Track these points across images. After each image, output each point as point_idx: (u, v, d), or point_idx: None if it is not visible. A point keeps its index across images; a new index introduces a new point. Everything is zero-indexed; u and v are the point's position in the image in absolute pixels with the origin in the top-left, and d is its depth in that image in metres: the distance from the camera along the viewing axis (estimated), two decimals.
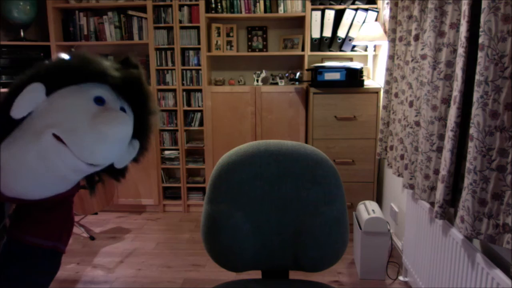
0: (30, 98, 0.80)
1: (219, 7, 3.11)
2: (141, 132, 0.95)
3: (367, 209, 2.32)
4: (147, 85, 0.95)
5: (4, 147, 0.78)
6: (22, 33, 3.21)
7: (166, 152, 3.34)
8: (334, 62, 2.90)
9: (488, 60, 1.24)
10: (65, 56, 0.91)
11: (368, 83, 2.97)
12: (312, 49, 3.08)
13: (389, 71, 2.32)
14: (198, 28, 3.14)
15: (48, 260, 0.90)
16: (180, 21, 3.15)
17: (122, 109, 0.88)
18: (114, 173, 0.95)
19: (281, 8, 3.08)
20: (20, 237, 0.87)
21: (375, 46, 2.97)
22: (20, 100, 0.79)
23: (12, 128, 0.80)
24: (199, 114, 3.30)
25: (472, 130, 1.30)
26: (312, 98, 2.78)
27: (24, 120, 0.80)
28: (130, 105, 0.91)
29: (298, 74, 3.14)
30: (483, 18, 1.24)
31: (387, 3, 2.63)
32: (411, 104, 1.91)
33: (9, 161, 0.77)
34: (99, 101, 0.84)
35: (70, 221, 0.97)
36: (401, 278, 2.27)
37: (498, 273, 1.27)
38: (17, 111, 0.79)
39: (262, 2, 3.08)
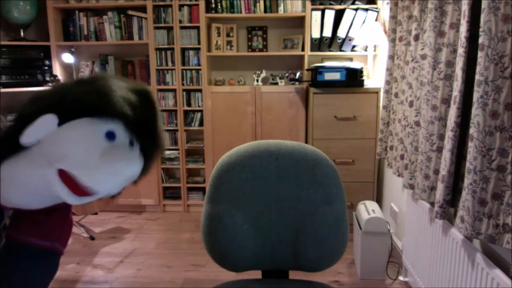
0: (42, 129, 0.80)
1: (219, 7, 3.11)
2: (144, 165, 0.94)
3: (367, 209, 2.32)
4: (161, 127, 0.95)
5: (7, 166, 0.79)
6: (22, 33, 3.21)
7: (166, 152, 3.34)
8: (334, 62, 2.90)
9: (488, 60, 1.24)
10: (84, 79, 0.90)
11: (368, 83, 2.97)
12: (312, 49, 3.08)
13: (389, 71, 2.32)
14: (198, 28, 3.14)
15: (46, 260, 0.91)
16: (180, 21, 3.15)
17: (131, 143, 0.88)
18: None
19: (281, 8, 3.08)
20: (17, 237, 0.87)
21: (375, 46, 2.97)
22: (32, 129, 0.79)
23: (17, 149, 0.81)
24: (199, 114, 3.30)
25: (472, 130, 1.30)
26: (312, 98, 2.78)
27: (32, 145, 0.81)
28: (139, 141, 0.91)
29: (298, 74, 3.14)
30: (483, 18, 1.24)
31: (387, 3, 2.63)
32: (411, 104, 1.91)
33: (11, 180, 0.79)
34: (110, 135, 0.84)
35: (68, 223, 0.97)
36: (401, 278, 2.27)
37: (498, 273, 1.27)
38: (27, 139, 0.79)
39: (262, 2, 3.08)
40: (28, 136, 0.79)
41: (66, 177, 0.79)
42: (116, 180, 0.81)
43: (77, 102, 0.84)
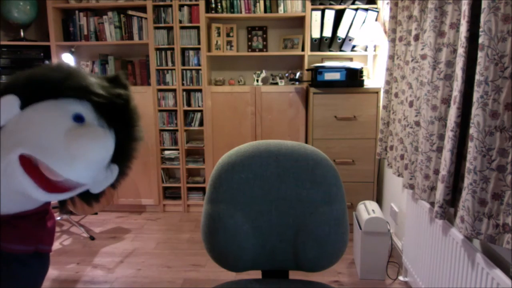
0: (2, 112, 0.74)
1: (219, 7, 3.11)
2: (121, 157, 0.88)
3: (367, 209, 2.32)
4: (134, 109, 0.88)
5: None
6: (22, 33, 3.21)
7: (166, 152, 3.34)
8: (334, 62, 2.90)
9: (488, 60, 1.24)
10: (50, 64, 0.83)
11: (368, 83, 2.97)
12: (312, 49, 3.08)
13: (389, 71, 2.32)
14: (198, 28, 3.14)
15: (34, 262, 0.88)
16: (180, 21, 3.15)
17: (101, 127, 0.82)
18: (87, 197, 0.89)
19: (281, 8, 3.08)
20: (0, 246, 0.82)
21: (375, 46, 2.97)
22: None
23: None
24: (199, 114, 3.30)
25: (472, 130, 1.30)
26: (312, 98, 2.78)
27: None
28: (112, 127, 0.84)
29: (298, 74, 3.14)
30: (483, 18, 1.24)
31: (387, 3, 2.63)
32: (411, 104, 1.91)
33: None
34: (78, 119, 0.77)
35: (48, 221, 0.92)
36: (401, 278, 2.27)
37: (498, 273, 1.27)
38: None
39: (262, 2, 3.08)
40: None
41: (30, 167, 0.72)
42: (84, 161, 0.74)
43: (40, 79, 0.77)
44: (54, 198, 0.78)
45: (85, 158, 0.74)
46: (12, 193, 0.76)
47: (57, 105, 0.77)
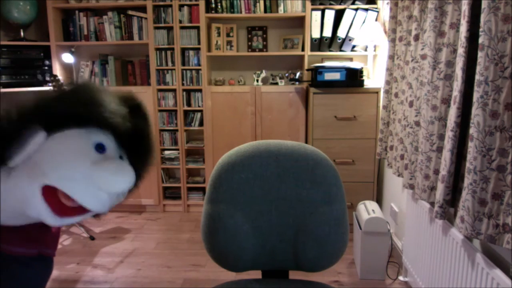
0: (30, 148, 0.75)
1: (219, 7, 3.11)
2: (135, 167, 0.89)
3: (367, 209, 2.32)
4: (153, 140, 0.90)
5: None
6: (22, 33, 3.21)
7: (166, 152, 3.34)
8: (334, 62, 2.90)
9: (488, 60, 1.24)
10: (69, 87, 0.83)
11: (368, 83, 2.97)
12: (312, 49, 3.08)
13: (389, 71, 2.32)
14: (198, 28, 3.14)
15: (36, 265, 0.88)
16: (180, 21, 3.15)
17: (121, 157, 0.84)
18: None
19: (281, 8, 3.08)
20: (1, 247, 0.83)
21: (375, 46, 2.97)
22: (19, 151, 0.74)
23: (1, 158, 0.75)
24: (199, 114, 3.30)
25: (472, 130, 1.30)
26: (312, 98, 2.78)
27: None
28: (129, 156, 0.86)
29: (298, 74, 3.14)
30: (483, 18, 1.24)
31: (387, 3, 2.63)
32: (411, 104, 1.91)
33: None
34: (99, 148, 0.79)
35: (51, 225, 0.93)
36: (401, 278, 2.27)
37: (498, 273, 1.27)
38: (14, 162, 0.74)
39: (262, 2, 3.08)
40: (16, 158, 0.74)
41: (50, 195, 0.73)
42: (105, 193, 0.76)
43: (65, 109, 0.78)
44: (64, 223, 0.79)
45: (109, 191, 0.76)
46: (20, 215, 0.77)
47: (80, 135, 0.79)
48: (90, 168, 0.75)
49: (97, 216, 0.91)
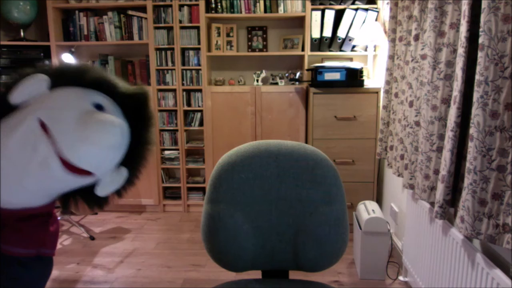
0: (31, 86, 0.77)
1: (219, 7, 3.11)
2: (132, 161, 0.89)
3: (367, 209, 2.32)
4: (151, 110, 0.91)
5: None
6: (22, 33, 3.21)
7: (166, 152, 3.34)
8: (334, 62, 2.90)
9: (488, 60, 1.24)
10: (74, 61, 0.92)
11: (368, 83, 2.97)
12: (312, 49, 3.08)
13: (389, 71, 2.32)
14: (198, 28, 3.14)
15: (35, 265, 0.88)
16: (180, 21, 3.15)
17: None
18: (91, 200, 0.89)
19: (281, 8, 3.08)
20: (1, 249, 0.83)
21: (375, 46, 2.97)
22: (21, 86, 0.76)
23: (7, 111, 0.77)
24: (199, 114, 3.30)
25: (472, 130, 1.30)
26: (312, 98, 2.78)
27: (21, 107, 0.77)
28: (128, 122, 0.87)
29: (298, 74, 3.14)
30: (483, 18, 1.24)
31: (387, 3, 2.63)
32: (411, 104, 1.91)
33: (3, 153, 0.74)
34: (98, 107, 0.79)
35: (52, 225, 0.93)
36: (401, 278, 2.27)
37: (498, 273, 1.27)
38: (15, 97, 0.76)
39: (262, 2, 3.08)
40: (16, 93, 0.75)
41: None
42: (96, 142, 0.74)
43: (72, 68, 0.82)
44: (70, 179, 0.78)
45: (99, 142, 0.75)
46: (23, 175, 0.76)
47: (82, 92, 0.81)
48: (81, 117, 0.75)
49: (98, 203, 0.90)
